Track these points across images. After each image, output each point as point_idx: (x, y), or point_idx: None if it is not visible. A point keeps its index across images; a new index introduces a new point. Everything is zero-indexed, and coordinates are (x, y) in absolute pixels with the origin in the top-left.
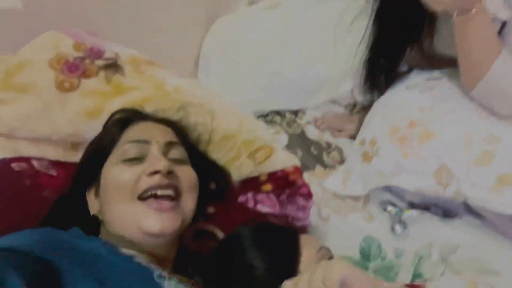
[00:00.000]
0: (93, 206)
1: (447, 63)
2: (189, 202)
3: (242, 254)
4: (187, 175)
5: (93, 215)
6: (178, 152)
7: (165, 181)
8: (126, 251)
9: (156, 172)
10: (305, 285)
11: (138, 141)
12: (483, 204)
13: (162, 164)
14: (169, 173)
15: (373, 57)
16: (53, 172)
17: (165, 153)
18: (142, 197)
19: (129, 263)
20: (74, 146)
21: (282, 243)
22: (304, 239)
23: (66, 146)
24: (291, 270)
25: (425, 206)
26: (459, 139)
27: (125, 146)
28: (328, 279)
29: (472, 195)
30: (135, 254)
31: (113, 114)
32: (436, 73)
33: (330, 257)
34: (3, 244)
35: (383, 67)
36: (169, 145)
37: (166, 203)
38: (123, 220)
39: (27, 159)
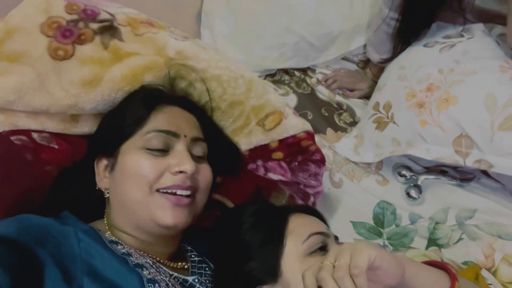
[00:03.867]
0: (102, 180)
1: (485, 18)
2: (202, 200)
3: (237, 232)
4: (205, 174)
5: (99, 189)
6: (201, 148)
7: (188, 183)
8: (116, 235)
9: (181, 172)
10: (328, 273)
11: (167, 132)
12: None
13: (189, 166)
14: (193, 174)
15: (410, 5)
16: (55, 145)
17: (190, 149)
18: (161, 191)
19: (107, 251)
20: (75, 117)
21: (269, 230)
22: (294, 223)
23: (66, 118)
24: (275, 261)
25: (441, 170)
26: (481, 103)
27: (151, 134)
28: (355, 266)
29: (499, 163)
30: (122, 240)
31: (137, 91)
32: (456, 29)
33: (323, 245)
34: None
35: (420, 15)
36: (195, 140)
37: (184, 199)
38: (136, 207)
39: (27, 132)
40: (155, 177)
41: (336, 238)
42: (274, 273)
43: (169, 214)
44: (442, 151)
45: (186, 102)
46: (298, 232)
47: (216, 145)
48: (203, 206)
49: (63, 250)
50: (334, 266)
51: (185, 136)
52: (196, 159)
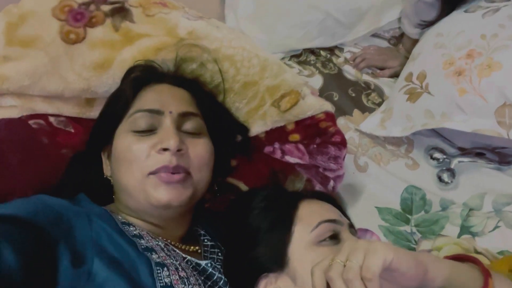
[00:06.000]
0: (106, 167)
1: None
2: (201, 176)
3: (246, 217)
4: (199, 151)
5: (106, 177)
6: (193, 123)
7: (174, 161)
8: (127, 219)
9: (165, 149)
10: (337, 273)
11: (150, 111)
12: None
13: (172, 141)
14: (179, 150)
15: None
16: (71, 129)
17: (178, 125)
18: (151, 173)
19: (118, 234)
20: (90, 101)
21: (277, 217)
22: (304, 210)
23: (81, 102)
24: (282, 249)
25: (478, 152)
26: None
27: (137, 115)
28: (367, 269)
29: None
30: (134, 223)
31: (129, 71)
32: None
33: (334, 234)
34: None
35: None
36: (184, 116)
37: (176, 176)
38: (131, 190)
39: (44, 116)
40: (143, 159)
41: (351, 226)
42: (280, 261)
43: (161, 192)
44: (482, 123)
45: (177, 78)
46: (308, 220)
47: (216, 121)
48: (205, 184)
49: (75, 232)
50: (345, 265)
51: (170, 112)
52: (188, 135)
